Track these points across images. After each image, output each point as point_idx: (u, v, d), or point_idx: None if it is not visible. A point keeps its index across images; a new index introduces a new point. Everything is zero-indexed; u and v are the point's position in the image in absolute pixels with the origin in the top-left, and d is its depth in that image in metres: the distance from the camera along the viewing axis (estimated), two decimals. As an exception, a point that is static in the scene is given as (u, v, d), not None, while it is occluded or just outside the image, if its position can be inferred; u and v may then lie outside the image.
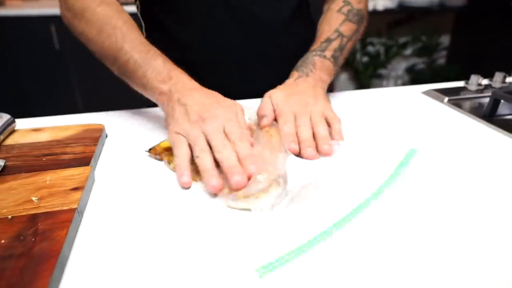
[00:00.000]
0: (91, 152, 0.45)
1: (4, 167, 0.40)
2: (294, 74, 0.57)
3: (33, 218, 0.33)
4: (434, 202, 0.37)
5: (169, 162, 0.44)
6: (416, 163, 0.43)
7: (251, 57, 0.68)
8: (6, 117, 0.49)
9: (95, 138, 0.48)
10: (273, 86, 0.56)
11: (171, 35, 0.66)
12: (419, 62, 3.23)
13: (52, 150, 0.45)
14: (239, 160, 0.40)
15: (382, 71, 3.15)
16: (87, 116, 0.59)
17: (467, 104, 0.63)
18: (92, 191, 0.40)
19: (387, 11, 2.80)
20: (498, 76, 0.67)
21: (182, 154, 0.42)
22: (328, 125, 0.49)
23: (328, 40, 0.61)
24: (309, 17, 0.77)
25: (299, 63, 0.59)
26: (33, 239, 0.30)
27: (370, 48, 2.98)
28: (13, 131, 0.50)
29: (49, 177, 0.39)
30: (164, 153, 0.45)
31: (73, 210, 0.34)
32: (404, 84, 3.30)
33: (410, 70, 3.28)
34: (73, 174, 0.40)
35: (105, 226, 0.34)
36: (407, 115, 0.60)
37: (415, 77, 3.21)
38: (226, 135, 0.42)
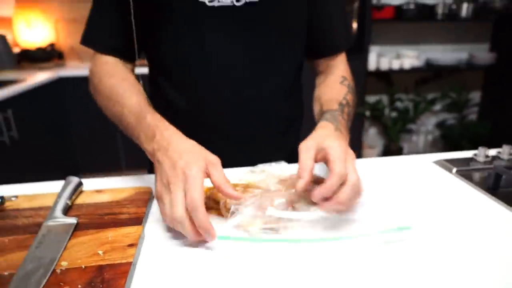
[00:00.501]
0: (142, 213, 0.55)
1: (77, 224, 0.51)
2: (329, 126, 0.61)
3: (100, 269, 0.42)
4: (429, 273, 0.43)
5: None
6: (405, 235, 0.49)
7: (240, 129, 0.77)
8: (76, 180, 0.61)
9: (145, 200, 0.58)
10: (258, 156, 0.67)
11: (171, 102, 0.76)
12: (449, 118, 3.25)
13: (112, 209, 0.55)
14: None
15: (412, 126, 3.19)
16: (136, 178, 0.70)
17: (475, 175, 0.69)
18: (142, 246, 0.49)
19: (414, 70, 2.90)
20: (506, 148, 0.73)
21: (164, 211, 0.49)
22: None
23: (341, 105, 0.70)
24: (300, 99, 0.87)
25: (327, 115, 0.65)
26: (101, 286, 0.39)
27: (399, 104, 3.05)
28: (81, 192, 0.61)
29: (111, 234, 0.49)
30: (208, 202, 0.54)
31: (130, 263, 0.43)
32: (434, 139, 3.30)
33: (440, 125, 3.30)
34: (129, 232, 0.49)
35: (154, 277, 0.43)
36: (415, 184, 0.66)
37: (445, 133, 3.22)
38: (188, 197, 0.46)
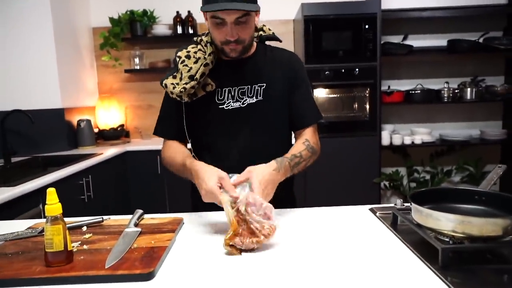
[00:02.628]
0: (175, 228, 0.97)
1: (140, 231, 0.95)
2: (274, 165, 1.03)
3: (152, 248, 0.84)
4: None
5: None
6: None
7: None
8: (140, 211, 1.06)
9: (177, 222, 1.02)
10: None
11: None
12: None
13: (158, 226, 0.99)
14: None
15: (431, 196, 3.37)
16: (176, 214, 1.13)
17: (390, 217, 1.04)
18: (172, 244, 0.91)
19: (427, 144, 3.19)
20: (398, 200, 1.08)
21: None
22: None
23: (294, 156, 1.11)
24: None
25: (279, 159, 1.06)
26: (152, 254, 0.81)
27: (416, 175, 3.31)
28: (143, 218, 1.06)
29: (157, 236, 0.92)
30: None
31: (166, 247, 0.85)
32: (455, 209, 3.44)
33: (461, 196, 3.44)
34: (167, 235, 0.92)
35: (176, 255, 0.84)
36: (344, 223, 1.03)
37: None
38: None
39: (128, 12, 3.20)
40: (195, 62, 1.13)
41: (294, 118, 1.24)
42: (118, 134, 3.20)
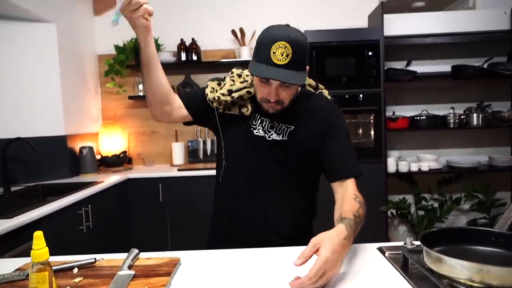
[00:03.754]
0: (171, 271, 0.92)
1: (134, 275, 0.89)
2: (344, 232, 0.87)
3: (145, 295, 0.79)
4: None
5: None
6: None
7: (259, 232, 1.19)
8: (136, 251, 1.01)
9: (174, 264, 0.96)
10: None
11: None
12: (480, 217, 3.31)
13: (154, 268, 0.93)
14: None
15: (441, 225, 3.28)
16: (174, 253, 1.08)
17: (399, 257, 0.98)
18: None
19: (434, 171, 3.12)
20: (408, 239, 1.02)
21: None
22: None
23: (355, 216, 0.97)
24: (314, 207, 1.29)
25: (347, 221, 0.92)
26: (144, 302, 0.76)
27: (424, 203, 3.23)
28: (138, 258, 1.00)
29: (152, 279, 0.86)
30: None
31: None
32: (465, 238, 3.32)
33: (472, 224, 3.34)
34: (162, 279, 0.86)
35: (172, 303, 0.78)
36: (351, 264, 0.97)
37: (478, 231, 3.24)
38: None
39: (133, 40, 3.24)
40: (241, 83, 1.18)
41: (333, 167, 1.16)
42: (120, 160, 3.18)
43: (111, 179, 2.69)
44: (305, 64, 1.07)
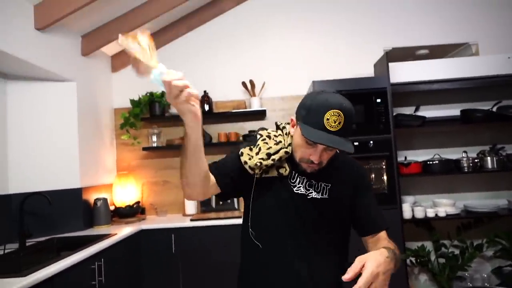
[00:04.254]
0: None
1: None
2: (386, 253, 0.93)
3: None
4: None
5: None
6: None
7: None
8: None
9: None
10: None
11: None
12: (506, 265, 3.16)
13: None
14: None
15: (464, 273, 3.14)
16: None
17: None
18: None
19: (452, 216, 3.04)
20: None
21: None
22: None
23: (393, 248, 1.03)
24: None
25: (386, 248, 0.97)
26: None
27: (444, 250, 3.11)
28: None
29: None
30: None
31: None
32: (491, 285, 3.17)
33: (496, 272, 3.20)
34: None
35: None
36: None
37: (505, 280, 3.10)
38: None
39: (148, 94, 3.38)
40: (276, 144, 1.18)
41: (365, 222, 1.23)
42: (134, 211, 3.19)
43: (124, 231, 2.69)
44: (353, 131, 1.15)
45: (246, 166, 1.15)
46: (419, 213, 3.02)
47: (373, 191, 1.28)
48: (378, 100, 2.96)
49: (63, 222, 2.72)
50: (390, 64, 2.97)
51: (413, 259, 3.11)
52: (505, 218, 3.14)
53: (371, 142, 2.93)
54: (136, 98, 3.41)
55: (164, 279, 2.84)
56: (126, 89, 3.52)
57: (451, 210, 3.03)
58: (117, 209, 3.16)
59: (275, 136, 1.21)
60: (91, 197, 2.96)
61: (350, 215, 1.23)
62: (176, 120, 3.43)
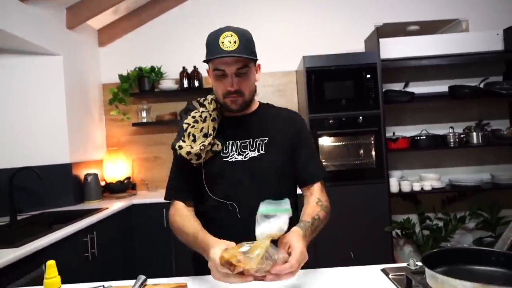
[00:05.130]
0: (179, 297, 0.93)
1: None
2: (299, 231, 1.00)
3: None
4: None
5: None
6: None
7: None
8: (143, 277, 1.02)
9: (181, 290, 0.97)
10: None
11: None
12: (487, 236, 3.28)
13: (162, 295, 0.95)
14: None
15: (446, 244, 3.25)
16: (180, 278, 1.09)
17: (403, 279, 0.99)
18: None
19: (437, 190, 3.12)
20: (411, 261, 1.03)
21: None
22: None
23: (313, 219, 1.09)
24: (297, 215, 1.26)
25: (302, 224, 1.04)
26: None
27: (429, 222, 3.21)
28: (145, 284, 1.02)
29: (160, 306, 0.87)
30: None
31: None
32: (472, 257, 3.29)
33: (478, 243, 3.32)
34: (170, 306, 0.88)
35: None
36: (359, 285, 0.98)
37: (484, 251, 3.21)
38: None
39: (137, 69, 3.33)
40: (204, 122, 1.19)
41: (301, 174, 1.25)
42: (124, 187, 3.20)
43: (115, 205, 2.71)
44: (254, 52, 1.15)
45: (191, 156, 1.15)
46: (406, 187, 3.09)
47: (313, 141, 1.29)
48: (368, 76, 2.97)
49: (54, 197, 2.72)
50: (381, 40, 2.96)
51: (398, 231, 3.21)
52: (488, 192, 3.24)
53: (361, 117, 2.96)
54: (124, 73, 3.36)
55: (156, 252, 2.89)
56: (114, 64, 3.46)
57: (437, 184, 3.12)
58: (108, 185, 3.17)
59: (199, 116, 1.22)
60: (81, 172, 2.96)
61: (290, 167, 1.24)
62: (166, 96, 3.40)
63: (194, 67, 3.33)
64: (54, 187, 2.72)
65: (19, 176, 2.41)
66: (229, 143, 1.20)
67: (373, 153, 2.98)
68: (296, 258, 0.89)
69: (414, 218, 3.23)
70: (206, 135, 1.17)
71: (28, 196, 2.62)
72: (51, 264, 0.73)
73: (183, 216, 1.18)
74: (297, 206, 1.30)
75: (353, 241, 2.86)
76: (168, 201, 1.25)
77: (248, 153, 1.19)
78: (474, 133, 3.11)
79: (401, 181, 3.14)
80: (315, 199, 1.18)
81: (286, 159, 1.23)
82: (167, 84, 3.32)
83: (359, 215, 2.91)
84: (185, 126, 1.21)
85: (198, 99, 1.29)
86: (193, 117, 1.23)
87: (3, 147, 2.68)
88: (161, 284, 1.02)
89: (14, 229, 2.01)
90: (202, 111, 1.22)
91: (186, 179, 1.22)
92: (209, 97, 1.25)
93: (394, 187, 3.08)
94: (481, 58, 3.13)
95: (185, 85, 3.32)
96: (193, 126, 1.20)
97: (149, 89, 3.32)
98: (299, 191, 1.32)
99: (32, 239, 1.76)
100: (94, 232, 2.25)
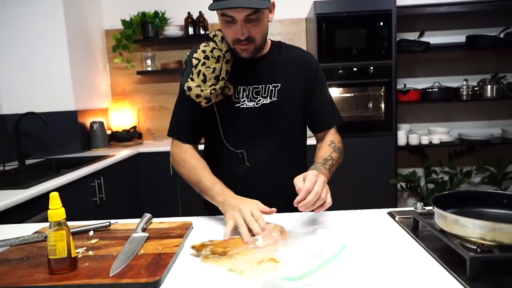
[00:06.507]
0: (183, 233, 0.94)
1: (148, 236, 0.91)
2: (314, 171, 0.95)
3: (159, 254, 0.81)
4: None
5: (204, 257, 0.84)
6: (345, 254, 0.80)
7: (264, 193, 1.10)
8: (148, 215, 1.03)
9: (186, 227, 0.98)
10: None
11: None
12: (492, 190, 3.28)
13: (167, 231, 0.95)
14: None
15: (450, 198, 3.26)
16: (186, 218, 1.10)
17: (409, 221, 0.98)
18: (181, 249, 0.87)
19: (445, 144, 3.08)
20: (419, 204, 1.02)
21: (230, 225, 0.91)
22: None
23: (325, 159, 1.09)
24: (305, 164, 1.25)
25: (313, 166, 1.04)
26: (158, 260, 0.78)
27: (434, 176, 3.21)
28: (151, 222, 1.02)
29: (165, 241, 0.88)
30: (200, 248, 0.86)
31: (173, 253, 0.81)
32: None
33: (482, 197, 3.32)
34: (175, 241, 0.88)
35: (184, 261, 0.80)
36: (362, 228, 0.97)
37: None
38: (251, 213, 0.90)
39: (140, 14, 3.20)
40: (217, 62, 1.10)
41: (315, 119, 1.24)
42: (130, 135, 3.20)
43: (122, 153, 2.73)
44: None
45: (201, 99, 1.10)
46: (414, 140, 3.06)
47: (326, 85, 1.24)
48: (382, 24, 2.83)
49: (61, 144, 2.74)
50: (398, -16, 2.78)
51: (403, 184, 3.22)
52: (497, 146, 3.20)
53: (371, 68, 2.86)
54: (127, 19, 3.23)
55: (162, 199, 2.95)
56: (117, 9, 3.31)
57: (445, 138, 3.07)
58: (114, 133, 3.17)
59: (211, 52, 1.11)
60: (87, 120, 2.95)
61: (303, 112, 1.22)
62: (171, 43, 3.29)
63: (200, 12, 3.19)
64: (61, 134, 2.72)
65: (25, 122, 2.40)
66: (240, 88, 1.15)
67: (383, 105, 2.91)
68: (310, 181, 0.88)
69: (420, 171, 3.23)
70: (217, 78, 1.09)
71: (36, 143, 2.63)
72: (54, 195, 0.73)
73: (189, 154, 1.17)
74: (305, 155, 1.29)
75: (357, 193, 2.88)
76: (170, 137, 1.23)
77: (260, 99, 1.16)
78: (489, 86, 3.00)
79: (409, 134, 3.10)
80: (328, 141, 1.19)
81: (298, 106, 1.20)
82: (172, 30, 3.20)
83: (364, 167, 2.90)
84: (194, 62, 1.11)
85: (208, 32, 1.21)
86: (203, 51, 1.12)
87: (7, 93, 2.65)
88: (166, 222, 1.03)
89: (23, 172, 2.03)
90: (214, 48, 1.12)
91: (192, 119, 1.19)
92: (220, 34, 1.13)
93: (401, 140, 3.04)
94: (503, 5, 2.94)
95: (190, 32, 3.19)
96: (203, 64, 1.10)
97: (153, 35, 3.21)
98: (309, 141, 1.32)
99: (41, 181, 1.79)
100: (102, 178, 2.28)
